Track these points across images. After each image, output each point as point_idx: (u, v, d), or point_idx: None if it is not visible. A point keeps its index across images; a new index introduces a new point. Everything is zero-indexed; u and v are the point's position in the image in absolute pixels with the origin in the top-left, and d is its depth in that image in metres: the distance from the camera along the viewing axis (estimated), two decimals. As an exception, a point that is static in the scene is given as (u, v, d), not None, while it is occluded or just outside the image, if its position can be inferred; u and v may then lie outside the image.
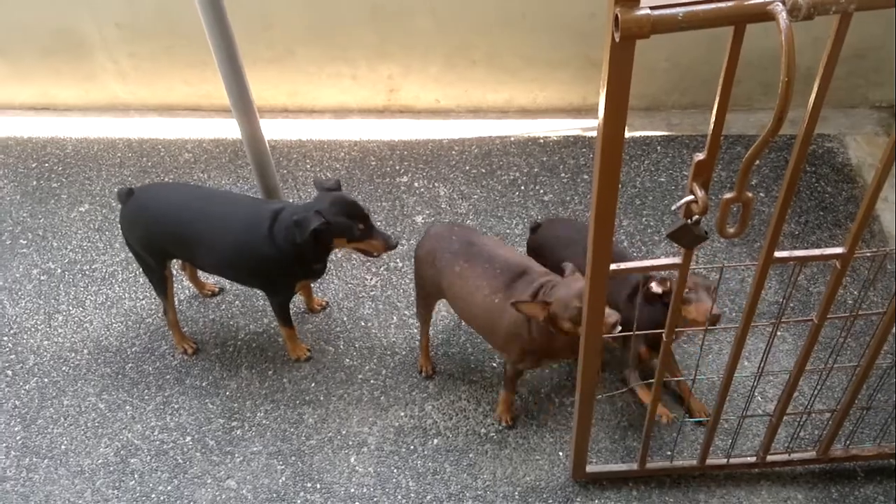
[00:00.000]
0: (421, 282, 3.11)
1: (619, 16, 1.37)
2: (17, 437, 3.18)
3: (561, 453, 3.12)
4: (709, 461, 2.95)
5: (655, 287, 2.75)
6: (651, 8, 1.37)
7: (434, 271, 2.99)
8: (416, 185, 4.16)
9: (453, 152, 4.32)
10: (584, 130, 4.37)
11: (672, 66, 4.22)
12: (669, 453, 3.03)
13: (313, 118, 4.58)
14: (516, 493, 3.01)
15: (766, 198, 3.92)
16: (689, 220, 2.00)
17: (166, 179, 4.21)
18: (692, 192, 1.93)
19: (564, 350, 2.82)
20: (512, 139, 4.34)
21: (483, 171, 4.19)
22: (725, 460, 2.96)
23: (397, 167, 4.26)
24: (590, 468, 2.99)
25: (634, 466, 2.97)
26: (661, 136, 4.27)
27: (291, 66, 4.42)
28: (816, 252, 2.19)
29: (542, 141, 4.31)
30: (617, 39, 1.41)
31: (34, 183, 4.22)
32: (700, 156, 1.88)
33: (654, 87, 4.31)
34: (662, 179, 4.07)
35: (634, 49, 1.50)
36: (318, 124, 4.53)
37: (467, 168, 4.22)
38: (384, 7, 4.12)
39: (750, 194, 1.85)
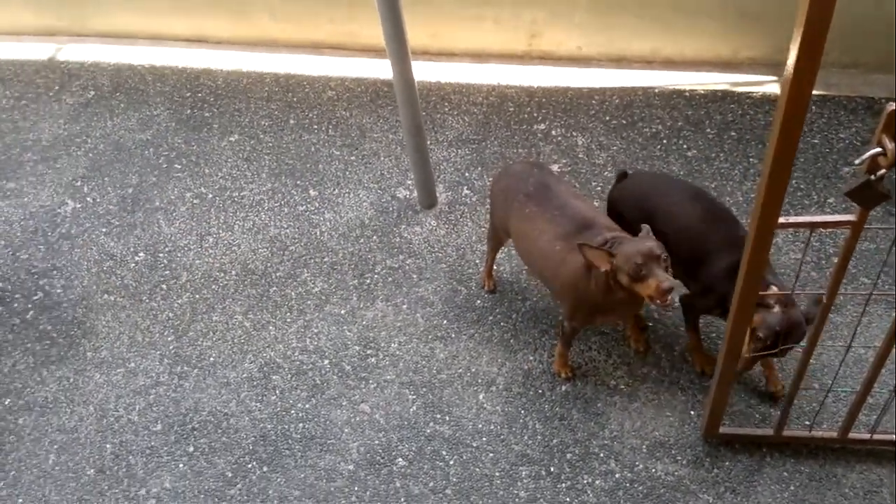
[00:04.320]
0: (492, 217, 3.24)
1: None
2: (171, 347, 3.41)
3: (692, 412, 3.07)
4: (851, 435, 2.84)
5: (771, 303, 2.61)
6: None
7: (505, 209, 3.08)
8: (553, 133, 4.12)
9: (593, 101, 4.24)
10: (732, 85, 4.19)
11: (833, 22, 3.97)
12: (808, 423, 2.94)
13: (453, 61, 4.59)
14: (644, 447, 3.00)
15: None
16: (872, 176, 1.90)
17: (310, 115, 4.33)
18: (880, 145, 1.83)
19: (619, 309, 2.87)
20: (656, 91, 4.22)
21: (624, 122, 4.10)
22: (869, 435, 2.85)
23: (535, 114, 4.22)
24: (723, 429, 2.93)
25: (770, 432, 2.90)
26: (817, 96, 4.05)
27: (434, 8, 4.42)
28: None
29: (687, 94, 4.17)
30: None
31: (188, 111, 4.42)
32: (893, 105, 1.78)
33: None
34: (816, 141, 3.87)
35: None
36: (457, 67, 4.53)
37: (607, 118, 4.13)
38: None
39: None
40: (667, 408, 3.09)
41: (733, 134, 3.94)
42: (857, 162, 1.89)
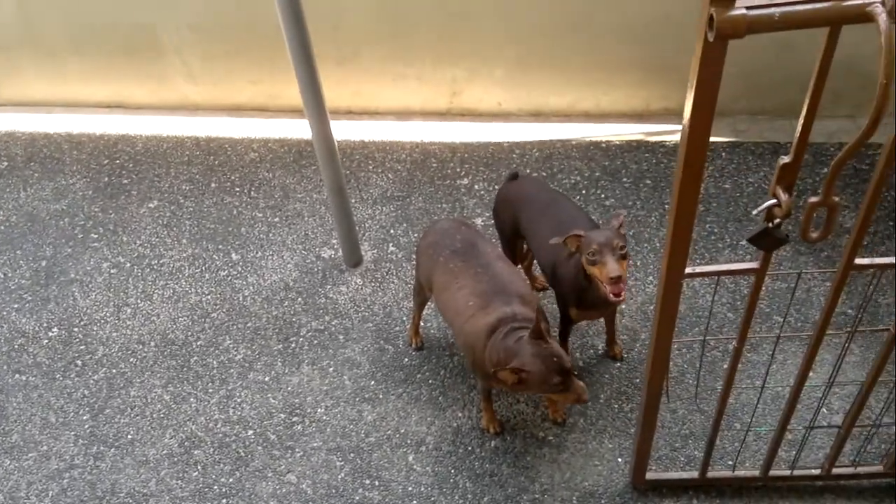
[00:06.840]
0: (418, 272, 3.24)
1: (713, 15, 1.36)
2: (86, 426, 3.27)
3: (620, 459, 3.08)
4: (772, 472, 2.89)
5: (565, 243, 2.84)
6: (747, 8, 1.35)
7: (430, 264, 3.10)
8: (476, 187, 4.17)
9: (514, 155, 4.31)
10: (646, 135, 4.33)
11: (740, 71, 4.14)
12: (731, 463, 2.98)
13: (376, 119, 4.63)
14: (574, 498, 2.99)
15: (835, 207, 3.83)
16: (770, 224, 1.97)
17: (232, 178, 4.29)
18: (774, 196, 1.90)
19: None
20: (573, 143, 4.32)
21: (544, 174, 4.18)
22: (789, 472, 2.90)
23: (458, 169, 4.27)
24: (649, 475, 2.95)
25: (695, 475, 2.93)
26: (726, 143, 4.21)
27: (357, 67, 4.47)
28: (899, 260, 2.13)
29: (604, 145, 4.28)
30: (711, 39, 1.39)
31: (105, 179, 4.34)
32: (785, 159, 1.85)
33: (721, 93, 4.24)
34: (727, 186, 4.01)
35: (726, 49, 1.48)
36: (381, 126, 4.57)
37: (528, 171, 4.21)
38: (451, 8, 4.15)
39: (836, 199, 1.81)
40: (595, 457, 3.09)
41: (648, 182, 4.05)
42: (754, 212, 1.96)
